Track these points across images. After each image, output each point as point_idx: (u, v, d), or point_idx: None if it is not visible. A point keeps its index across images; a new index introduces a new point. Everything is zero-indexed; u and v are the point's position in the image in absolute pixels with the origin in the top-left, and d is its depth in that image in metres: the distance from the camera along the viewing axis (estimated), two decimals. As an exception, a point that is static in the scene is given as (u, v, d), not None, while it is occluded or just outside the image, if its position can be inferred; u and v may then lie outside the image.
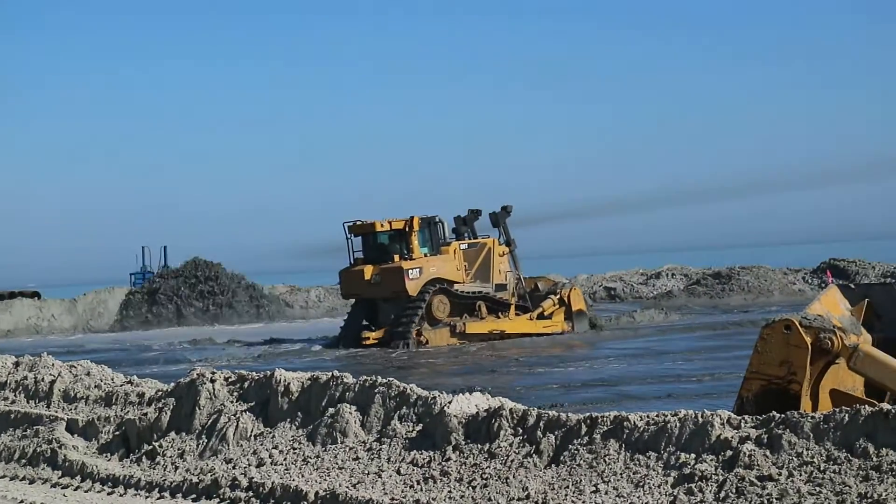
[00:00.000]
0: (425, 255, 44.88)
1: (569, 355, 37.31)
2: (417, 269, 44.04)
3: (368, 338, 44.11)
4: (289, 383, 14.60)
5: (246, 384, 15.30)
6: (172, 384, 16.37)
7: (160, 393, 16.28)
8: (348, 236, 45.62)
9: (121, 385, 17.42)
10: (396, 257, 44.53)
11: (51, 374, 18.48)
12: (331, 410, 13.73)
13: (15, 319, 70.52)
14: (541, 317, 45.70)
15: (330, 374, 14.39)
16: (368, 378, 13.98)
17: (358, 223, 45.45)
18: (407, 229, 44.87)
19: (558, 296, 46.16)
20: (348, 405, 13.66)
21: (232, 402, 15.09)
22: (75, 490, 14.68)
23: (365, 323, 45.64)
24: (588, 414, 11.62)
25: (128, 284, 77.91)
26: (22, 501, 14.14)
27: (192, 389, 15.51)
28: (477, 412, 12.51)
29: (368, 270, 44.56)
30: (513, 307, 45.69)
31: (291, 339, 50.66)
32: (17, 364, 20.34)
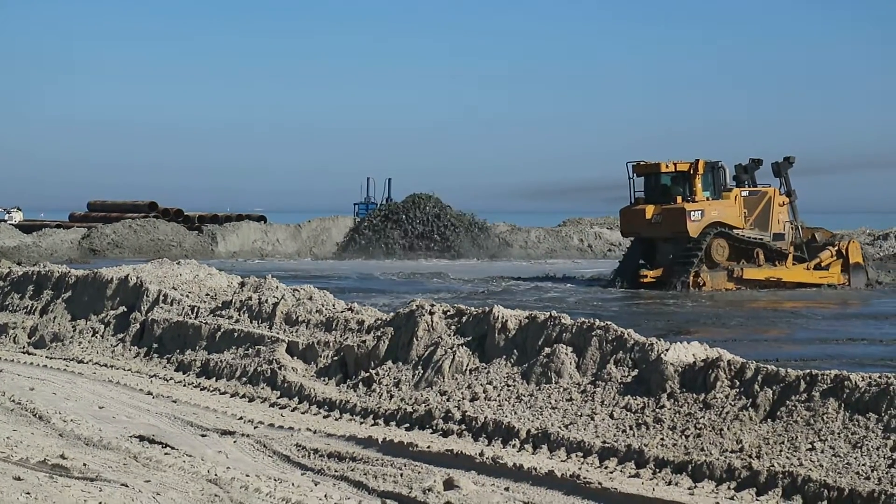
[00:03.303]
0: (707, 199, 45.07)
1: (840, 311, 36.36)
2: (699, 212, 44.28)
3: (646, 276, 44.48)
4: (506, 320, 14.66)
5: (464, 318, 15.41)
6: (392, 314, 16.59)
7: (379, 322, 16.49)
8: (631, 176, 46.06)
9: (341, 311, 17.69)
10: (679, 199, 44.79)
11: (274, 297, 18.86)
12: (547, 350, 13.76)
13: (241, 241, 72.28)
14: (818, 267, 45.41)
15: (548, 314, 14.42)
16: (586, 320, 13.97)
17: (642, 163, 45.91)
18: (691, 172, 45.17)
19: (836, 247, 45.78)
20: (565, 346, 13.67)
21: (449, 335, 15.22)
22: (292, 411, 15.01)
23: (641, 262, 45.90)
24: (808, 371, 11.44)
25: (352, 214, 79.03)
26: (241, 418, 14.51)
27: (411, 320, 15.69)
28: (694, 362, 12.41)
29: (650, 210, 45.00)
30: (790, 256, 45.45)
31: (521, 276, 50.81)
32: (242, 284, 20.81)
